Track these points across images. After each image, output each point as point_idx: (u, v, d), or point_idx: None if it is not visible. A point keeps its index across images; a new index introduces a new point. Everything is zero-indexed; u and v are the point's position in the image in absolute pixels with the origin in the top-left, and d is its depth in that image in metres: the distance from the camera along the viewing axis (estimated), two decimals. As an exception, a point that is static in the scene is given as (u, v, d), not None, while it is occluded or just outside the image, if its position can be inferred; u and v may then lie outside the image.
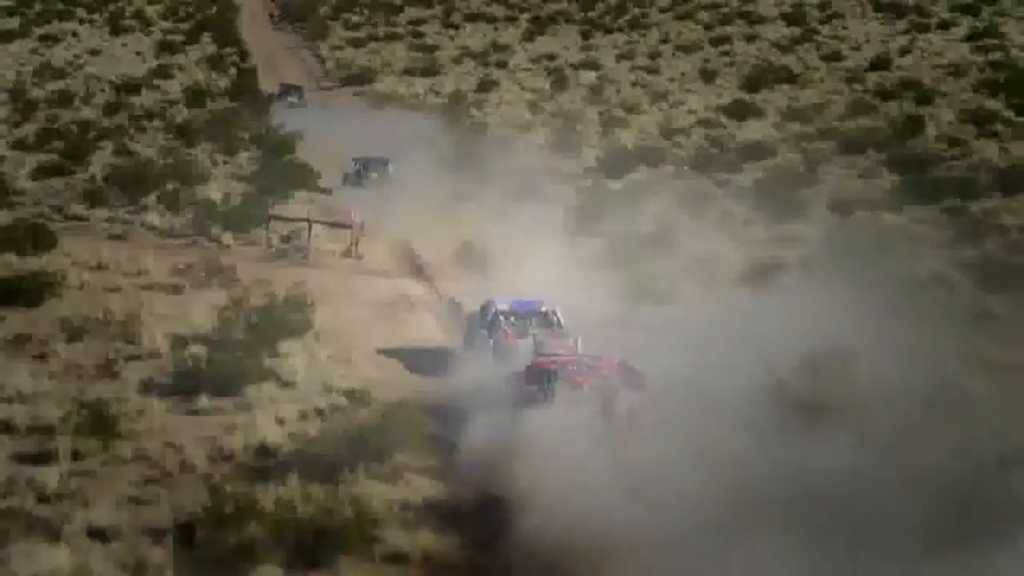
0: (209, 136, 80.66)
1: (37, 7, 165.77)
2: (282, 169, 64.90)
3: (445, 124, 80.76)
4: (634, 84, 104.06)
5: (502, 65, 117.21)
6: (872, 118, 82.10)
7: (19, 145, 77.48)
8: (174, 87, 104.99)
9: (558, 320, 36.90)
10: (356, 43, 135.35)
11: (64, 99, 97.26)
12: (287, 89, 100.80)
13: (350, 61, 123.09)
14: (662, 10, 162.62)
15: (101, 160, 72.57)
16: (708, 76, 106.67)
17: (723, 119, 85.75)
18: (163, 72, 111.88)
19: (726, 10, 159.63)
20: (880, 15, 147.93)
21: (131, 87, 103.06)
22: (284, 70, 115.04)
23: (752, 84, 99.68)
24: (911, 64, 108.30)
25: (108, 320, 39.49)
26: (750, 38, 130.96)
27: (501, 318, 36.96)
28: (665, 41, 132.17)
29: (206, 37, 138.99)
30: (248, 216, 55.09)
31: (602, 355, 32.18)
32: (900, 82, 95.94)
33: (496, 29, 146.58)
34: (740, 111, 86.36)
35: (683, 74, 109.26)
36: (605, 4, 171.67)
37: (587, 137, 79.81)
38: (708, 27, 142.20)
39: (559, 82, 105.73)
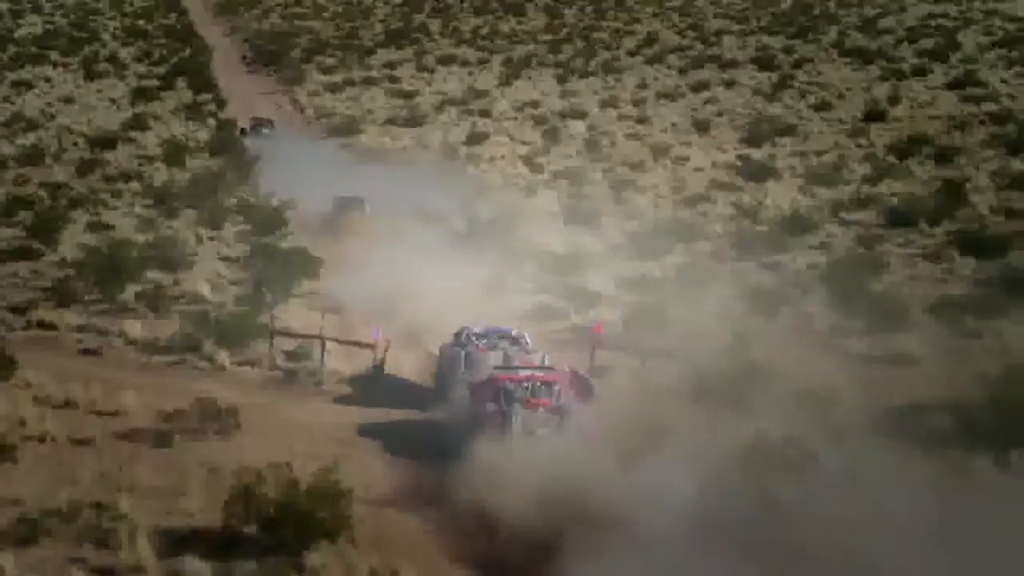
0: (191, 202, 67.73)
1: (11, 50, 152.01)
2: (277, 257, 51.76)
3: (444, 187, 67.66)
4: (628, 136, 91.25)
5: (485, 113, 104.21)
6: (904, 182, 69.72)
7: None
8: (151, 140, 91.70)
9: (527, 343, 36.35)
10: (333, 88, 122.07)
11: (35, 156, 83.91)
12: (259, 122, 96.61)
13: (330, 109, 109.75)
14: (630, 53, 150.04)
15: (73, 237, 59.52)
16: (701, 127, 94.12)
17: (739, 180, 73.24)
18: (139, 123, 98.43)
19: (693, 53, 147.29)
20: (847, 60, 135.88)
21: (106, 141, 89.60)
22: (262, 112, 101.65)
23: (753, 138, 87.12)
24: (907, 115, 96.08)
25: (74, 513, 26.74)
26: (728, 84, 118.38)
27: (473, 337, 36.31)
28: (643, 86, 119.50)
29: (181, 82, 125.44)
30: (245, 327, 42.08)
31: (554, 367, 33.01)
32: (908, 138, 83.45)
33: (471, 74, 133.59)
34: (754, 171, 73.68)
35: (674, 124, 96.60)
36: (573, 46, 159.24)
37: (599, 203, 67.15)
38: (682, 71, 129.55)
39: (550, 134, 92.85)
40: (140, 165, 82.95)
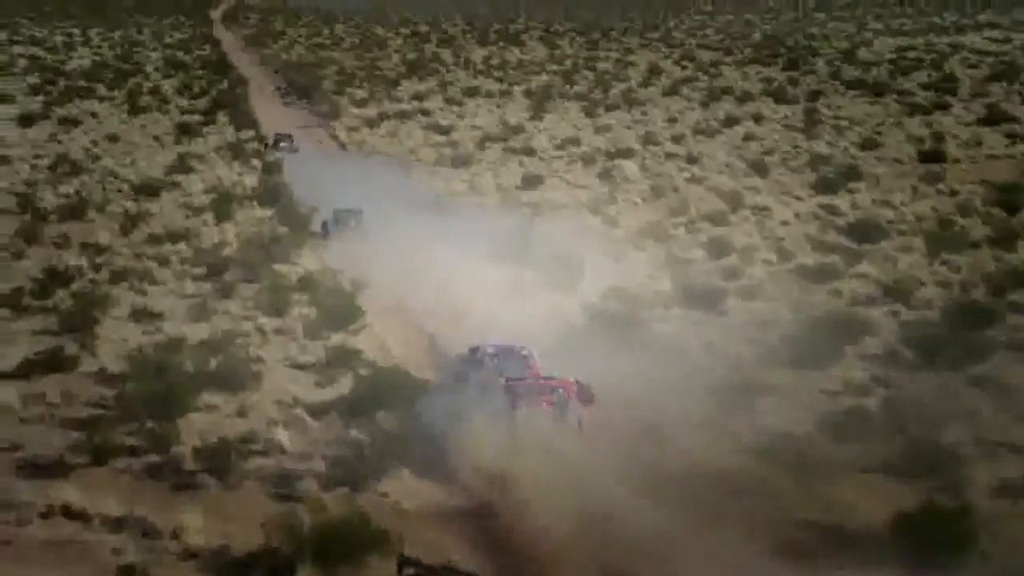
0: (246, 272, 50.08)
1: (61, 85, 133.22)
2: (374, 390, 34.06)
3: (531, 255, 49.99)
4: (689, 180, 73.31)
5: (528, 151, 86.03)
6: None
7: (13, 300, 46.05)
8: (196, 186, 73.32)
9: (535, 362, 33.42)
10: (369, 123, 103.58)
11: (77, 208, 65.69)
12: (280, 138, 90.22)
13: (371, 146, 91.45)
14: (642, 84, 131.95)
15: (115, 331, 41.88)
16: (758, 168, 76.14)
17: (841, 238, 55.57)
18: (183, 164, 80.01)
19: (701, 85, 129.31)
20: (855, 92, 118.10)
21: (150, 188, 71.33)
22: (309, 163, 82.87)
23: (825, 183, 69.27)
24: (967, 158, 78.51)
25: None
26: (756, 118, 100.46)
27: (486, 359, 33.64)
28: (672, 120, 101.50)
29: (222, 116, 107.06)
30: (356, 538, 24.30)
31: (560, 376, 32.00)
32: (995, 187, 65.72)
33: (499, 106, 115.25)
34: (858, 230, 55.83)
35: (728, 166, 78.59)
36: (584, 77, 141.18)
37: (705, 274, 49.57)
38: (704, 105, 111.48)
39: (605, 176, 74.93)
40: (187, 217, 64.96)
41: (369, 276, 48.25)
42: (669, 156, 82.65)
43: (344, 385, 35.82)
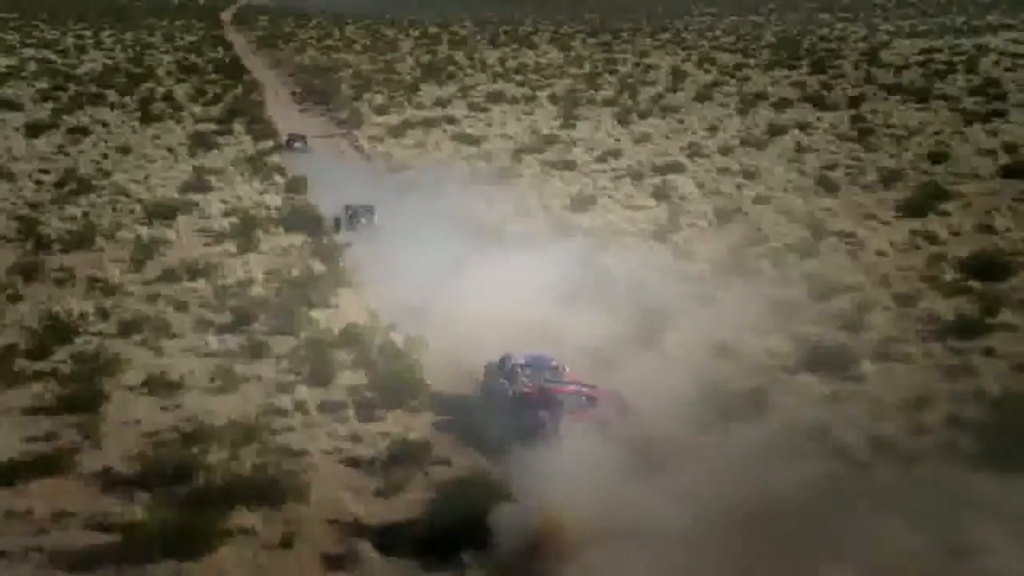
0: (279, 324, 41.14)
1: (71, 90, 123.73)
2: (454, 501, 25.17)
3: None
4: (756, 200, 64.16)
5: (569, 165, 76.90)
6: None
7: (4, 363, 36.95)
8: (215, 206, 64.22)
9: (567, 374, 32.37)
10: (393, 131, 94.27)
11: (84, 236, 56.48)
12: (293, 138, 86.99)
13: (398, 158, 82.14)
14: (670, 89, 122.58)
15: (124, 408, 33.00)
16: (828, 186, 67.03)
17: (952, 272, 46.54)
18: (200, 182, 70.83)
19: (729, 89, 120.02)
20: (895, 97, 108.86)
21: (164, 211, 62.17)
22: (330, 175, 73.06)
23: (912, 206, 60.13)
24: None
25: None
26: (801, 126, 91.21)
27: (518, 370, 32.22)
28: (712, 129, 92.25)
29: (238, 124, 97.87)
30: None
31: (597, 385, 30.81)
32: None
33: (528, 113, 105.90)
34: (977, 266, 46.68)
35: (791, 182, 69.46)
36: (608, 81, 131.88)
37: (810, 318, 40.64)
38: (741, 111, 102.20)
39: (660, 195, 65.90)
40: (207, 245, 55.96)
41: (424, 326, 39.20)
42: (722, 171, 73.43)
43: (414, 496, 26.97)
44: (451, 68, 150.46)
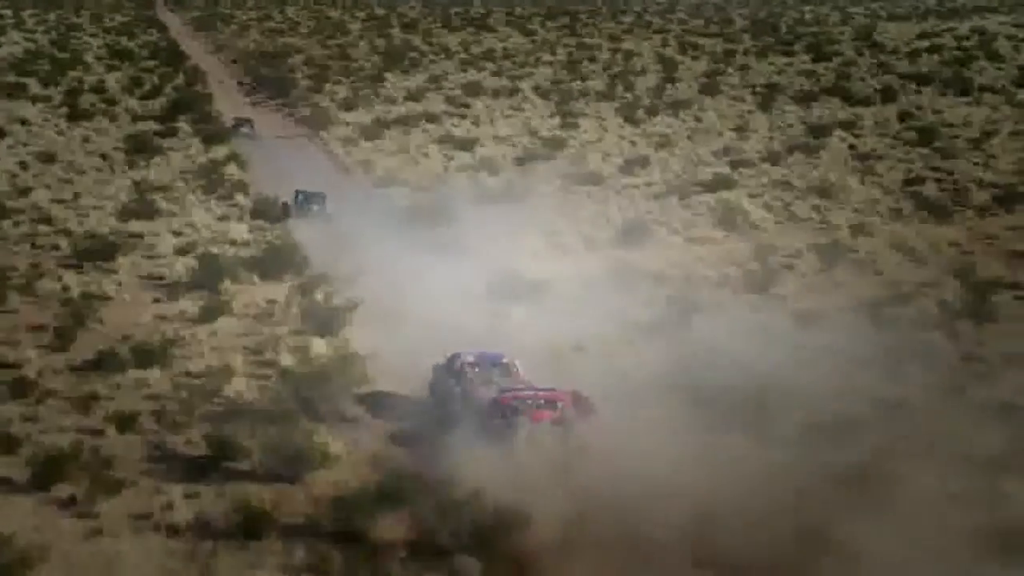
0: (265, 445, 26.96)
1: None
2: None
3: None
4: (852, 231, 50.14)
5: (594, 179, 62.83)
6: None
7: None
8: (164, 240, 49.54)
9: (518, 371, 30.07)
10: (367, 133, 79.53)
11: (-8, 291, 41.74)
12: (239, 122, 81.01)
13: (381, 169, 67.47)
14: (668, 80, 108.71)
15: None
16: (932, 208, 53.24)
17: None
18: (144, 203, 56.02)
19: (732, 79, 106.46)
20: (927, 89, 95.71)
21: (100, 249, 47.30)
22: (302, 180, 58.11)
23: None
24: None
25: None
26: (845, 125, 77.53)
27: (467, 369, 29.98)
28: (742, 130, 78.35)
29: (184, 123, 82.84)
30: None
31: (555, 388, 28.03)
32: None
33: (515, 109, 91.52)
34: None
35: (877, 203, 55.62)
36: (589, 69, 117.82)
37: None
38: (763, 108, 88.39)
39: (724, 224, 51.84)
40: (157, 302, 41.41)
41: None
42: (781, 185, 59.75)
43: None
44: (412, 55, 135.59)
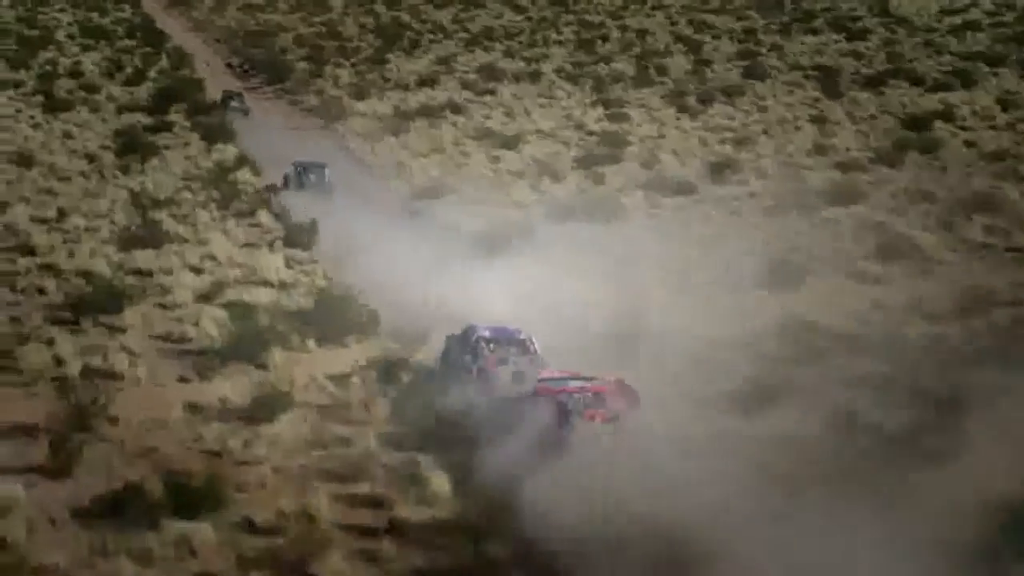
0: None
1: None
2: None
3: None
4: (1013, 254, 39.10)
5: (685, 189, 51.23)
6: None
7: None
8: (181, 284, 37.65)
9: (534, 347, 27.66)
10: (389, 126, 67.69)
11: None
12: (229, 96, 74.70)
13: (423, 174, 55.64)
14: (702, 62, 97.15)
15: None
16: None
17: None
18: (147, 225, 44.06)
19: (773, 62, 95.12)
20: (1002, 70, 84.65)
21: (101, 296, 35.34)
22: (343, 214, 46.28)
23: None
24: None
25: None
26: (941, 115, 66.22)
27: (482, 344, 27.47)
28: (822, 121, 66.89)
29: (177, 115, 70.82)
30: None
31: (598, 376, 24.68)
32: None
33: (549, 97, 79.76)
34: None
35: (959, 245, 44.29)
36: (607, 48, 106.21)
37: None
38: (828, 94, 76.82)
39: (888, 255, 40.35)
40: (183, 382, 29.80)
41: None
42: (921, 195, 48.35)
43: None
44: (408, 34, 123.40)
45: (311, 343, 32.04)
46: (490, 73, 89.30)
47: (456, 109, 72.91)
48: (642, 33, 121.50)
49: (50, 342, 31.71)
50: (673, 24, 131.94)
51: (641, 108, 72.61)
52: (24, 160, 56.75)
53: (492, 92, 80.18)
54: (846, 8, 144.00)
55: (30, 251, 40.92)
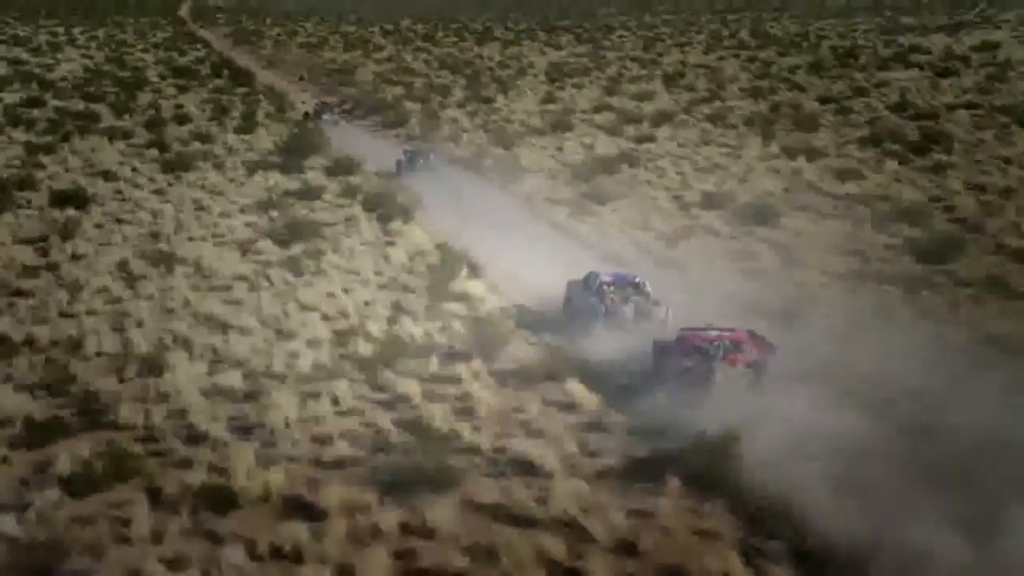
0: None
1: (49, 104, 70.55)
2: None
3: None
4: None
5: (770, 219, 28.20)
6: None
7: None
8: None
9: (649, 291, 25.16)
10: (589, 194, 44.25)
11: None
12: (322, 108, 66.30)
13: (683, 267, 32.54)
14: (758, 99, 74.14)
15: None
16: None
17: None
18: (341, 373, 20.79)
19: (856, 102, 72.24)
20: None
21: None
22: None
23: None
24: None
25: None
26: None
27: (605, 287, 25.10)
28: (941, 169, 44.32)
29: (317, 171, 47.26)
30: None
31: (734, 329, 21.24)
32: None
33: (674, 140, 56.44)
34: None
35: None
36: (689, 86, 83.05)
37: None
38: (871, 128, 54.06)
39: None
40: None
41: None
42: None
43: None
44: (477, 70, 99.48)
45: None
46: (651, 118, 65.37)
47: (632, 162, 49.47)
48: (709, 69, 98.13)
49: None
50: (720, 59, 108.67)
51: (748, 147, 49.50)
52: (160, 258, 32.93)
53: (656, 140, 56.64)
54: (863, 40, 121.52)
55: (198, 439, 17.65)
